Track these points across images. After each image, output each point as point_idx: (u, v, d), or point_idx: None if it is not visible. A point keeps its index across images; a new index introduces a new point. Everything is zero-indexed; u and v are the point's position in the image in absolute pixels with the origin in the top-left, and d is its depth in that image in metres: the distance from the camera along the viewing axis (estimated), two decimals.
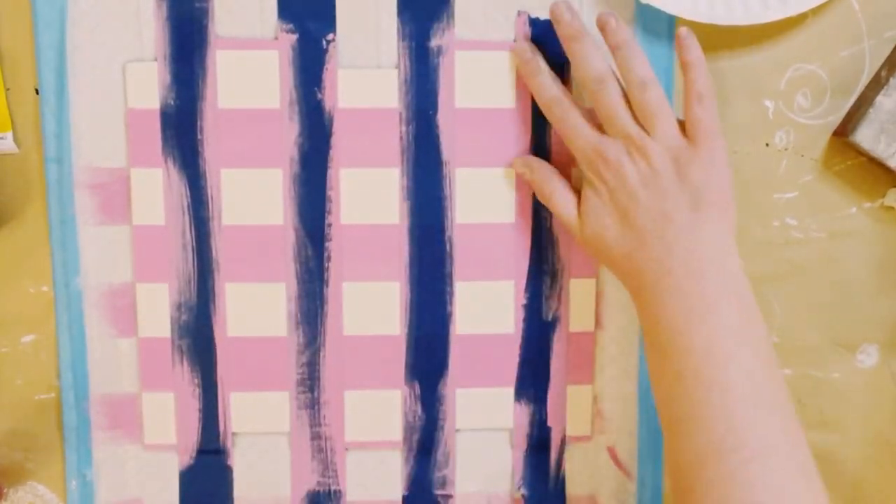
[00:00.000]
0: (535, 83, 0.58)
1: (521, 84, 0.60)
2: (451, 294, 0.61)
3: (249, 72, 0.59)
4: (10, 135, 0.59)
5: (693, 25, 0.59)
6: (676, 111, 0.55)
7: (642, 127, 0.54)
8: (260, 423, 0.62)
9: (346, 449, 0.62)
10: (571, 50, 0.56)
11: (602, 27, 0.55)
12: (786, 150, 0.61)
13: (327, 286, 0.61)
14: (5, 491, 0.61)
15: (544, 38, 0.59)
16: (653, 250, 0.53)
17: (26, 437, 0.61)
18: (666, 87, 0.59)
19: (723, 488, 0.48)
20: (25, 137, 0.59)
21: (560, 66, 0.59)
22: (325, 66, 0.59)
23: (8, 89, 0.59)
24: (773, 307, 0.63)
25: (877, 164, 0.59)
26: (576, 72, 0.57)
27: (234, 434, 0.62)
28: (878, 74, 0.60)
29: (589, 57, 0.55)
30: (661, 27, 0.59)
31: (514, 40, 0.59)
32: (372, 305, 0.61)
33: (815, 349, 0.63)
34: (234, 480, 0.62)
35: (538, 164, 0.59)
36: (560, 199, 0.57)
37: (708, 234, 0.52)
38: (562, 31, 0.56)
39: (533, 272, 0.61)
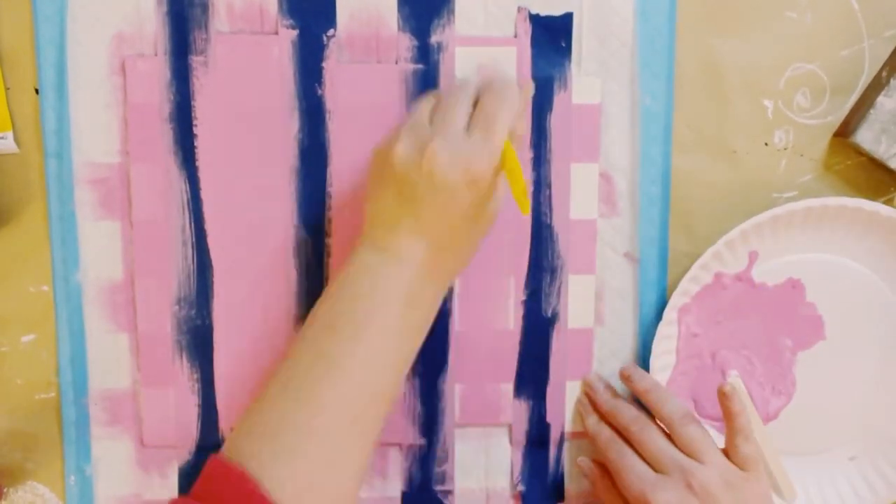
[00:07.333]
0: (589, 422, 0.61)
1: (521, 80, 0.59)
2: (451, 290, 0.61)
3: (250, 67, 0.59)
4: (10, 134, 0.58)
5: (694, 26, 0.59)
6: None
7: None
8: None
9: None
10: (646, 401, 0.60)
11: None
12: (785, 149, 0.61)
13: (327, 282, 0.61)
14: (5, 491, 0.61)
15: (543, 35, 0.59)
16: None
17: (26, 437, 0.61)
18: (667, 71, 0.59)
19: None
20: (25, 137, 0.59)
21: (562, 63, 0.59)
22: (325, 62, 0.59)
23: (8, 89, 0.58)
24: None
25: (877, 164, 0.60)
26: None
27: (232, 430, 0.62)
28: (878, 75, 0.60)
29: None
30: (662, 21, 0.60)
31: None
32: None
33: None
34: None
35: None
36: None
37: None
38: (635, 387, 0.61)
39: (532, 268, 0.61)
